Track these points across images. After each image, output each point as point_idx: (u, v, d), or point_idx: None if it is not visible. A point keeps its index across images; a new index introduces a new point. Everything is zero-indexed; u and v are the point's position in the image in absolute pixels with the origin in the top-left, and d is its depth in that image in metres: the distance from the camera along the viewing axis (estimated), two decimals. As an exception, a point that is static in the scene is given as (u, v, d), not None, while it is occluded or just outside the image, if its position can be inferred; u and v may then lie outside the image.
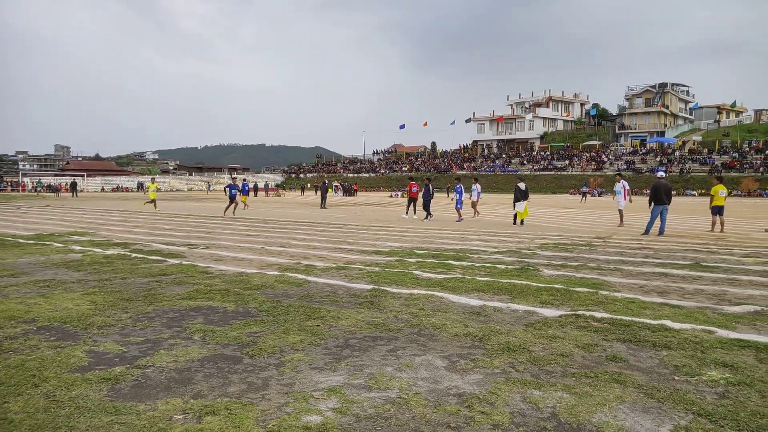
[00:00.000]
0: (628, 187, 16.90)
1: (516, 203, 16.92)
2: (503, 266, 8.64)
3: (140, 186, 73.64)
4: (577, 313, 5.60)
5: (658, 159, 61.21)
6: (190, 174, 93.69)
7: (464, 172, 67.32)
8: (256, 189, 53.81)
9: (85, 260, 9.36)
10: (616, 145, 71.03)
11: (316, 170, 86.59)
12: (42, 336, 4.84)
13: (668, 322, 5.22)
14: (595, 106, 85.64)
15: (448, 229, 15.68)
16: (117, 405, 3.36)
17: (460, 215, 19.12)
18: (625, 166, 60.86)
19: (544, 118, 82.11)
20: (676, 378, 3.85)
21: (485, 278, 7.55)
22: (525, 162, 70.93)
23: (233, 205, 21.68)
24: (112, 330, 5.06)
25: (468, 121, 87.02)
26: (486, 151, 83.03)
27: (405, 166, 79.17)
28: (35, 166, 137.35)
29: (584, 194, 39.96)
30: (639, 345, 4.59)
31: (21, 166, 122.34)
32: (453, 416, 3.22)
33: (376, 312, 5.73)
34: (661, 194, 13.92)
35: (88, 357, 4.29)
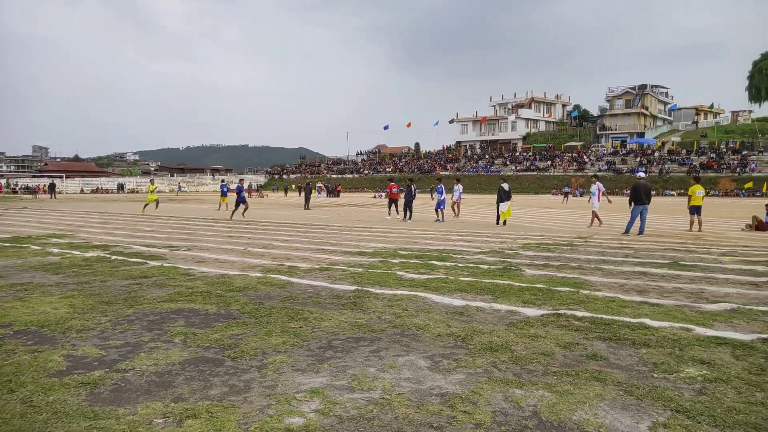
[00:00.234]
0: (603, 189, 17.02)
1: (499, 204, 17.03)
2: (486, 266, 8.69)
3: (121, 187, 72.69)
4: (559, 312, 5.66)
5: (638, 159, 62.05)
6: (172, 175, 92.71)
7: (448, 173, 67.58)
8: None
9: (64, 263, 9.21)
10: (597, 146, 71.87)
11: (299, 171, 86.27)
12: (19, 340, 4.75)
13: (647, 321, 5.30)
14: (577, 107, 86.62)
15: (432, 229, 15.73)
16: (96, 410, 3.31)
17: (441, 215, 19.15)
18: (606, 167, 61.61)
19: (527, 119, 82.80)
20: (655, 375, 3.91)
21: (468, 278, 7.59)
22: (508, 162, 71.43)
23: (244, 207, 20.70)
24: (91, 334, 4.99)
25: (451, 122, 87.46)
26: (469, 152, 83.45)
27: (389, 167, 79.24)
28: (12, 168, 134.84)
29: (566, 194, 40.40)
30: (619, 343, 4.65)
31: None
32: (436, 416, 3.23)
33: (360, 313, 5.73)
34: (641, 194, 14.12)
35: (66, 361, 4.22)
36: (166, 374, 3.95)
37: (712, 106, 78.57)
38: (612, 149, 68.71)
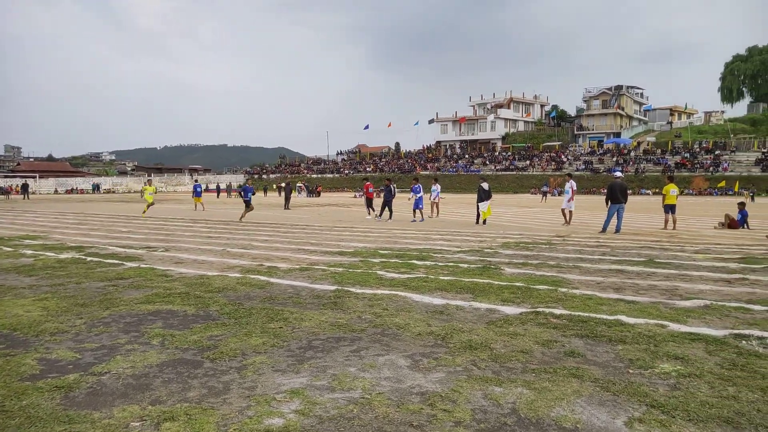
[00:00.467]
0: (575, 188, 17.20)
1: (479, 203, 17.14)
2: (466, 265, 8.75)
3: (96, 188, 71.43)
4: (537, 310, 5.72)
5: (614, 159, 63.02)
6: (149, 175, 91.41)
7: (428, 172, 67.81)
8: (218, 190, 52.97)
9: (37, 265, 9.02)
10: (575, 146, 72.80)
11: (279, 171, 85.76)
12: (-10, 344, 4.64)
13: (623, 317, 5.38)
14: (555, 107, 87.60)
15: (412, 229, 15.77)
16: (70, 414, 3.25)
17: (419, 215, 19.16)
18: (583, 166, 62.44)
19: (506, 119, 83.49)
20: (631, 371, 3.98)
21: (448, 277, 7.63)
22: (487, 162, 71.94)
23: (249, 209, 19.65)
24: (66, 336, 4.90)
25: (431, 121, 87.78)
26: (449, 152, 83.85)
27: (369, 167, 79.23)
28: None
29: (545, 194, 40.82)
30: (596, 340, 4.72)
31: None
32: (416, 415, 3.24)
33: (340, 313, 5.72)
34: (617, 193, 14.35)
35: (40, 365, 4.14)
36: (144, 377, 3.89)
37: (685, 107, 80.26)
38: (589, 149, 69.66)
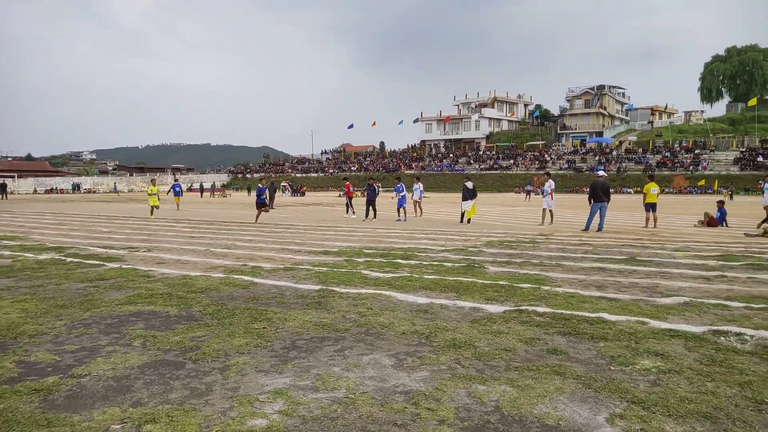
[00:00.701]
0: (553, 187, 17.33)
1: (463, 202, 17.20)
2: (450, 264, 8.78)
3: (76, 187, 70.37)
4: (521, 308, 5.76)
5: (597, 158, 63.67)
6: (131, 174, 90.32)
7: (413, 171, 67.90)
8: (201, 189, 52.53)
9: (16, 266, 8.87)
10: (558, 145, 73.40)
11: (263, 170, 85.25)
12: (-34, 347, 4.55)
13: (605, 315, 5.44)
14: (538, 107, 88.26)
15: (396, 228, 15.78)
16: (49, 417, 3.20)
17: (402, 214, 19.16)
18: (566, 165, 63.00)
19: (490, 119, 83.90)
20: (612, 368, 4.02)
21: (432, 276, 7.65)
22: (471, 161, 72.27)
23: (260, 211, 18.60)
24: (45, 339, 4.82)
25: (416, 121, 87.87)
26: (434, 151, 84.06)
27: (354, 166, 79.13)
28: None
29: (528, 192, 41.11)
30: (578, 338, 4.77)
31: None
32: (399, 414, 3.24)
33: (324, 312, 5.70)
34: (599, 192, 14.51)
35: (18, 368, 4.07)
36: (125, 379, 3.85)
37: (666, 107, 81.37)
38: (572, 148, 70.29)
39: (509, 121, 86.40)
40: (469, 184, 17.40)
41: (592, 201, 14.65)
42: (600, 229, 14.28)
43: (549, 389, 3.59)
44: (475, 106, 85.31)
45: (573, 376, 3.82)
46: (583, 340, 4.71)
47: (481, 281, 7.24)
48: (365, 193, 20.53)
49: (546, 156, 67.77)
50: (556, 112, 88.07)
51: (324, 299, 6.28)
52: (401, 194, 19.31)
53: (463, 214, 17.30)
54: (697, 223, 16.82)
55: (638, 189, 49.60)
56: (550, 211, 17.10)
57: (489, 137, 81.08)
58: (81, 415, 3.24)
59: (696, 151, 59.35)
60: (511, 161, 68.58)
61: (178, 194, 27.80)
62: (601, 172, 16.12)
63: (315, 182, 72.26)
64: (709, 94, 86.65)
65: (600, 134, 73.63)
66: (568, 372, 3.91)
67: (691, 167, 55.70)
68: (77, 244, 11.91)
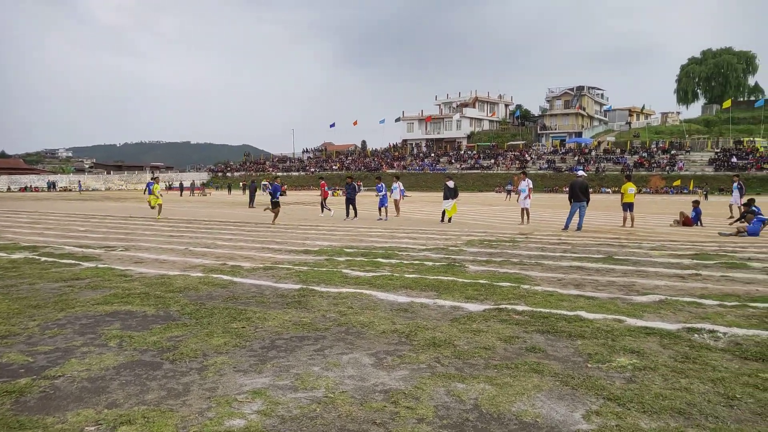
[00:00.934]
0: (531, 186, 17.41)
1: (444, 201, 17.27)
2: (431, 263, 8.80)
3: (52, 185, 69.00)
4: (500, 307, 5.80)
5: (576, 158, 64.41)
6: (108, 173, 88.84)
7: (395, 171, 67.94)
8: (181, 188, 51.88)
9: (-12, 265, 8.67)
10: (538, 145, 74.09)
11: (244, 169, 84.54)
12: (-65, 349, 4.43)
13: (583, 313, 5.51)
14: (519, 107, 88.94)
15: (378, 227, 15.78)
16: (21, 419, 3.13)
17: (383, 213, 19.16)
18: (546, 165, 63.63)
19: (471, 118, 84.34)
20: (589, 365, 4.07)
21: (413, 275, 7.67)
22: (453, 161, 72.58)
23: (277, 210, 17.74)
24: (17, 339, 4.72)
25: (398, 120, 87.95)
26: (415, 150, 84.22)
27: (335, 165, 78.91)
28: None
29: (509, 192, 41.39)
30: (556, 336, 4.82)
31: None
32: (379, 413, 3.24)
33: (304, 312, 5.68)
34: (577, 192, 14.67)
35: (-11, 369, 3.97)
36: (100, 380, 3.78)
37: (643, 108, 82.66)
38: (552, 148, 70.99)
39: (490, 121, 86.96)
40: (450, 184, 17.47)
41: (572, 201, 14.81)
42: (579, 228, 14.45)
43: (527, 387, 3.62)
44: (457, 106, 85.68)
45: (551, 374, 3.86)
46: (561, 338, 4.76)
47: (461, 280, 7.27)
48: (345, 192, 20.46)
49: (526, 156, 68.36)
50: (536, 112, 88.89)
51: (304, 298, 6.25)
52: (382, 193, 19.30)
53: (444, 214, 17.36)
54: (673, 223, 17.11)
55: (616, 189, 50.32)
56: (526, 209, 17.18)
57: (470, 137, 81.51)
58: (54, 417, 3.18)
59: (672, 152, 60.37)
60: (492, 161, 69.03)
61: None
62: (580, 172, 16.30)
63: (296, 181, 71.89)
64: (685, 95, 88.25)
65: (579, 134, 74.50)
66: (545, 370, 3.94)
67: (667, 167, 56.65)
68: (52, 243, 11.69)
